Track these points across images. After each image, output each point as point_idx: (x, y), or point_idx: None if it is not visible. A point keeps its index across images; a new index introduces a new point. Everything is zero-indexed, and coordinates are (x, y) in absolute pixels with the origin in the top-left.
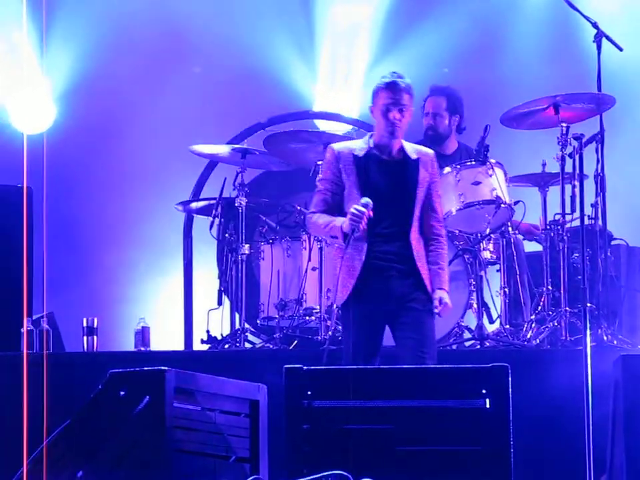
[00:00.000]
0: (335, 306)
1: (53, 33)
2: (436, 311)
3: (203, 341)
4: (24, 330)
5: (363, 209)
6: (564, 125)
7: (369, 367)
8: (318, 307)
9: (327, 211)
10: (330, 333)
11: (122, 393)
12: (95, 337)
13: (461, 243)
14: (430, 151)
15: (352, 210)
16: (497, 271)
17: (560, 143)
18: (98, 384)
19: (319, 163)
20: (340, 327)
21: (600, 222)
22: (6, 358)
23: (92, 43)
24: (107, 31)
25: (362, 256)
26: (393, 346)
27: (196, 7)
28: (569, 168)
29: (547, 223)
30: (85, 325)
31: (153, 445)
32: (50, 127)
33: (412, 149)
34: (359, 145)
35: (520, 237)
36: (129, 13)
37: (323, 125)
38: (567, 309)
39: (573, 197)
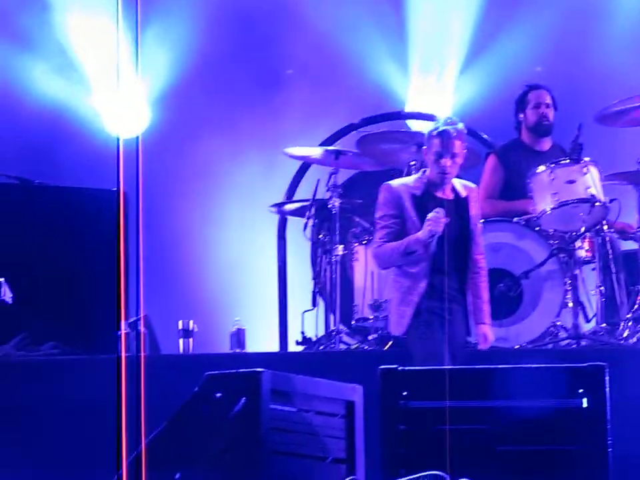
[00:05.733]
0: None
1: (148, 34)
2: (479, 347)
3: (297, 343)
4: (121, 333)
5: (439, 213)
6: None
7: (464, 367)
8: None
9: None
10: None
11: (218, 394)
12: (191, 340)
13: (556, 242)
14: (474, 185)
15: (429, 215)
16: (593, 269)
17: None
18: (194, 386)
19: (412, 163)
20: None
21: None
22: (103, 361)
23: (187, 45)
24: (202, 34)
25: (420, 289)
26: None
27: (289, 9)
28: None
29: None
30: (180, 327)
31: (250, 446)
32: (145, 130)
33: (461, 186)
34: (414, 183)
35: (615, 235)
36: (223, 15)
37: (415, 125)
38: None
39: None
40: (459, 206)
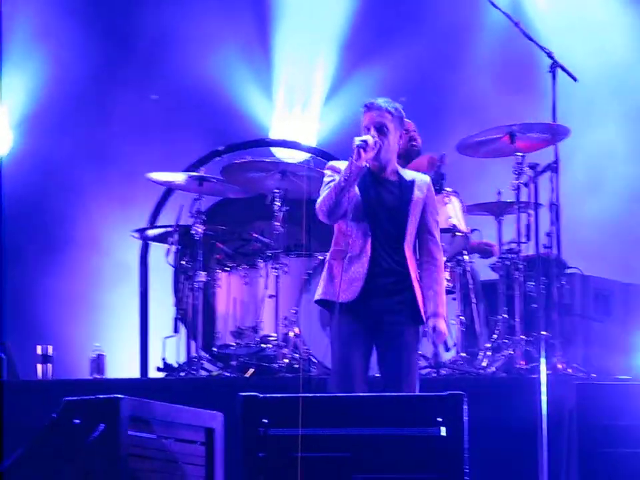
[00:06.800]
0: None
1: (10, 58)
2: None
3: (158, 369)
4: None
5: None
6: (519, 154)
7: (324, 395)
8: (275, 335)
9: None
10: (286, 360)
11: (76, 421)
12: (50, 365)
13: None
14: (426, 177)
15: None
16: (453, 299)
17: (515, 172)
18: (52, 412)
19: (276, 191)
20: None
21: (555, 250)
22: None
23: (48, 70)
24: (63, 57)
25: (365, 264)
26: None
27: (153, 34)
28: (524, 197)
29: (503, 251)
30: (39, 352)
31: (108, 473)
32: (6, 153)
33: (407, 173)
34: None
35: (475, 257)
36: (86, 39)
37: (280, 153)
38: (523, 337)
39: (528, 226)
40: (400, 187)
